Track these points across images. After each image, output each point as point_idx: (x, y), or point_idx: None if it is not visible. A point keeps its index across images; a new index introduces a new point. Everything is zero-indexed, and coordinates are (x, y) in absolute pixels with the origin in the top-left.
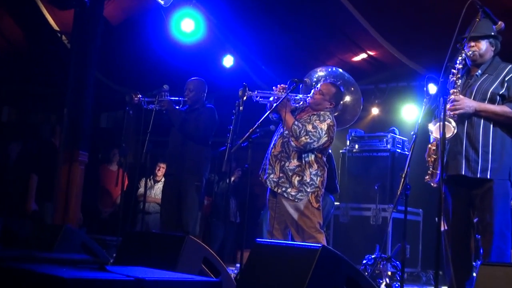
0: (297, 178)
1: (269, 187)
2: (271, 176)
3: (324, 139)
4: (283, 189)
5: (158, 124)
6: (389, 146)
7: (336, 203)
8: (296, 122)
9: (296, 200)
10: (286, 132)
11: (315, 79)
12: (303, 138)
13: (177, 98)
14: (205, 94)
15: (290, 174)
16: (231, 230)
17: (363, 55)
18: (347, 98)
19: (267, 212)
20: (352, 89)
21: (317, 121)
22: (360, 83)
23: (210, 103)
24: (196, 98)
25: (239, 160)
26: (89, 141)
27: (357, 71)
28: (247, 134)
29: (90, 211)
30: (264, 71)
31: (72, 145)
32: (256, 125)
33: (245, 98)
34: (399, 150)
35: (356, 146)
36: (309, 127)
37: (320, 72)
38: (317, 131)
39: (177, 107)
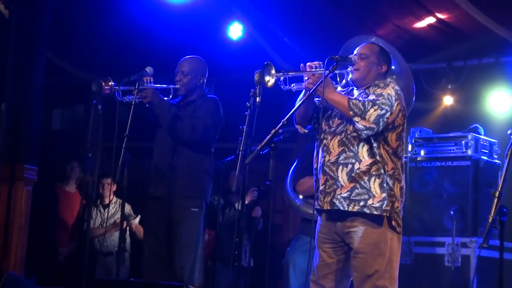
0: (377, 180)
1: (338, 209)
2: (337, 192)
3: (397, 107)
4: (362, 203)
5: (139, 124)
6: (470, 152)
7: None
8: (351, 98)
9: (384, 214)
10: (339, 126)
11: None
12: (371, 111)
13: (165, 86)
14: (205, 80)
15: (365, 178)
16: (242, 278)
17: (430, 20)
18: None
19: (297, 251)
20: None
21: (378, 90)
22: (425, 60)
23: (212, 93)
24: (192, 85)
25: (255, 174)
26: (38, 150)
27: (421, 43)
28: (267, 137)
29: (41, 250)
30: (286, 45)
31: (13, 157)
32: (280, 123)
33: (269, 82)
34: (485, 157)
35: (422, 152)
36: (372, 98)
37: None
38: (385, 98)
39: (166, 98)
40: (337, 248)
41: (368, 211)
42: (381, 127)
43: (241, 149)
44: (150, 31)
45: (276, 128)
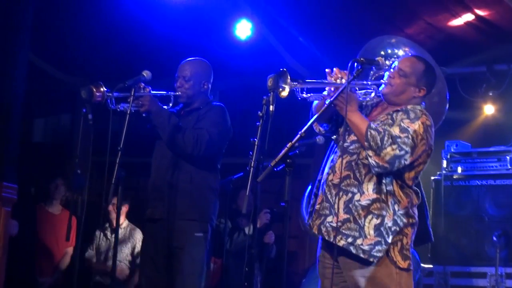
0: (374, 220)
1: (322, 236)
2: (328, 219)
3: (420, 148)
4: (350, 240)
5: (134, 136)
6: None
7: (426, 265)
8: (372, 125)
9: (371, 260)
10: (354, 144)
11: (389, 60)
12: (388, 150)
13: (164, 92)
14: (210, 85)
15: (362, 213)
16: None
17: (468, 17)
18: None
19: (314, 282)
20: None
21: (406, 120)
22: (462, 64)
23: (218, 100)
24: (195, 92)
25: (267, 194)
26: (17, 165)
27: (457, 43)
28: (282, 152)
29: (21, 280)
30: (301, 45)
31: None
32: (297, 136)
33: (283, 92)
34: None
35: (459, 169)
36: (395, 131)
37: (402, 49)
38: (409, 136)
39: (165, 106)
40: (340, 275)
41: (354, 251)
42: (395, 168)
43: (252, 165)
44: (147, 30)
45: (293, 141)
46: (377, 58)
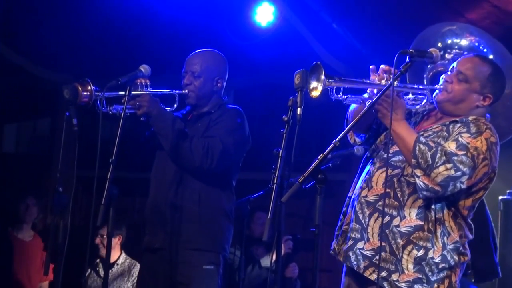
0: (414, 252)
1: (351, 266)
2: (359, 244)
3: (482, 169)
4: (383, 273)
5: (130, 146)
6: None
7: None
8: (421, 138)
9: None
10: (398, 156)
11: (450, 53)
12: (441, 169)
13: (168, 91)
14: (225, 83)
15: (401, 242)
16: None
17: None
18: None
19: None
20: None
21: (465, 135)
22: None
23: (232, 101)
24: (206, 91)
25: (293, 217)
26: None
27: None
28: (312, 165)
29: None
30: (335, 33)
31: None
32: (331, 145)
33: (314, 92)
34: None
35: None
36: (451, 146)
37: (466, 38)
38: (468, 154)
39: (169, 108)
40: None
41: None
42: (448, 193)
43: (275, 181)
44: (146, 15)
45: (325, 153)
46: (430, 49)
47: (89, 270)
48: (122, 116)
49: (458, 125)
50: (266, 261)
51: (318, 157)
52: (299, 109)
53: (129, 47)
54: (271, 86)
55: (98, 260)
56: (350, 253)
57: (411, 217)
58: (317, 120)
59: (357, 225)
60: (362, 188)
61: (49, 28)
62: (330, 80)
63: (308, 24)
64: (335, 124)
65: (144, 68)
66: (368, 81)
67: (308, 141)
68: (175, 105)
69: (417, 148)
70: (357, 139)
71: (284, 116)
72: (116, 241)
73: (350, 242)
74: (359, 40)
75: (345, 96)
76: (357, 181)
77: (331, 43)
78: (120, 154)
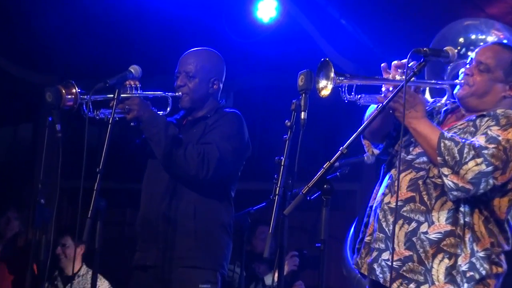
0: (445, 261)
1: (377, 279)
2: (384, 255)
3: None
4: (412, 285)
5: (119, 154)
6: None
7: None
8: (445, 134)
9: None
10: (421, 158)
11: (473, 50)
12: (471, 165)
13: (160, 94)
14: (221, 85)
15: (431, 251)
16: None
17: None
18: None
19: None
20: None
21: (494, 127)
22: None
23: (231, 105)
24: (201, 94)
25: (298, 231)
26: None
27: None
28: (318, 174)
29: None
30: (344, 30)
31: None
32: (339, 152)
33: (324, 91)
34: None
35: None
36: (480, 140)
37: (492, 35)
38: (499, 146)
39: (161, 112)
40: None
41: None
42: (481, 191)
43: (277, 192)
44: (138, 10)
45: (331, 161)
46: (445, 48)
47: (46, 284)
48: (110, 121)
49: (486, 119)
50: (270, 279)
51: (324, 166)
52: (303, 113)
53: (118, 46)
54: (273, 88)
55: (56, 273)
56: (375, 266)
57: (440, 222)
58: (323, 125)
59: (381, 235)
60: (384, 195)
61: (30, 25)
62: (340, 78)
63: (314, 20)
64: (342, 129)
65: (134, 69)
66: (380, 78)
67: (313, 148)
68: (168, 109)
69: (442, 144)
70: (375, 150)
71: (287, 121)
72: (78, 251)
73: (375, 254)
74: (370, 37)
75: (359, 96)
76: (378, 189)
77: (339, 41)
78: (108, 162)
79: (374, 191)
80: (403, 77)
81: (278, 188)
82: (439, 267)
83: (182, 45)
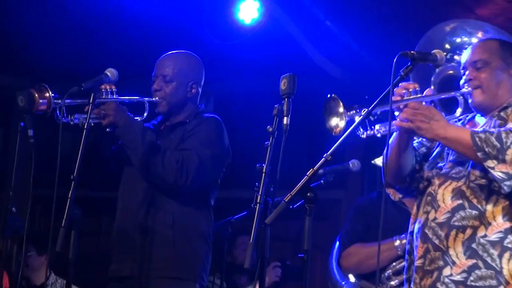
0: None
1: None
2: (445, 271)
3: None
4: None
5: (94, 161)
6: None
7: None
8: (476, 130)
9: None
10: (456, 168)
11: (459, 54)
12: None
13: (136, 98)
14: (200, 89)
15: (495, 252)
16: None
17: None
18: None
19: None
20: None
21: None
22: None
23: (210, 110)
24: (179, 98)
25: (280, 241)
26: None
27: None
28: (301, 182)
29: None
30: (329, 32)
31: None
32: (323, 159)
33: (337, 128)
34: None
35: None
36: None
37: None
38: None
39: (138, 118)
40: None
41: None
42: None
43: (258, 201)
44: (114, 11)
45: (315, 168)
46: (433, 51)
47: None
48: (85, 127)
49: (510, 108)
50: None
51: (308, 173)
52: (285, 118)
53: (94, 47)
54: (255, 93)
55: (23, 283)
56: (439, 285)
57: (498, 222)
58: (307, 131)
59: (437, 253)
60: (427, 213)
61: (0, 25)
62: (351, 112)
63: (298, 21)
64: (327, 135)
65: (111, 72)
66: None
67: (296, 155)
68: (145, 114)
69: (477, 139)
70: (399, 195)
71: (268, 126)
72: (42, 261)
73: (435, 274)
74: (356, 40)
75: (377, 128)
76: (415, 215)
77: (325, 43)
78: (83, 170)
79: (411, 218)
80: (411, 96)
81: (259, 196)
82: (508, 266)
83: (159, 48)
